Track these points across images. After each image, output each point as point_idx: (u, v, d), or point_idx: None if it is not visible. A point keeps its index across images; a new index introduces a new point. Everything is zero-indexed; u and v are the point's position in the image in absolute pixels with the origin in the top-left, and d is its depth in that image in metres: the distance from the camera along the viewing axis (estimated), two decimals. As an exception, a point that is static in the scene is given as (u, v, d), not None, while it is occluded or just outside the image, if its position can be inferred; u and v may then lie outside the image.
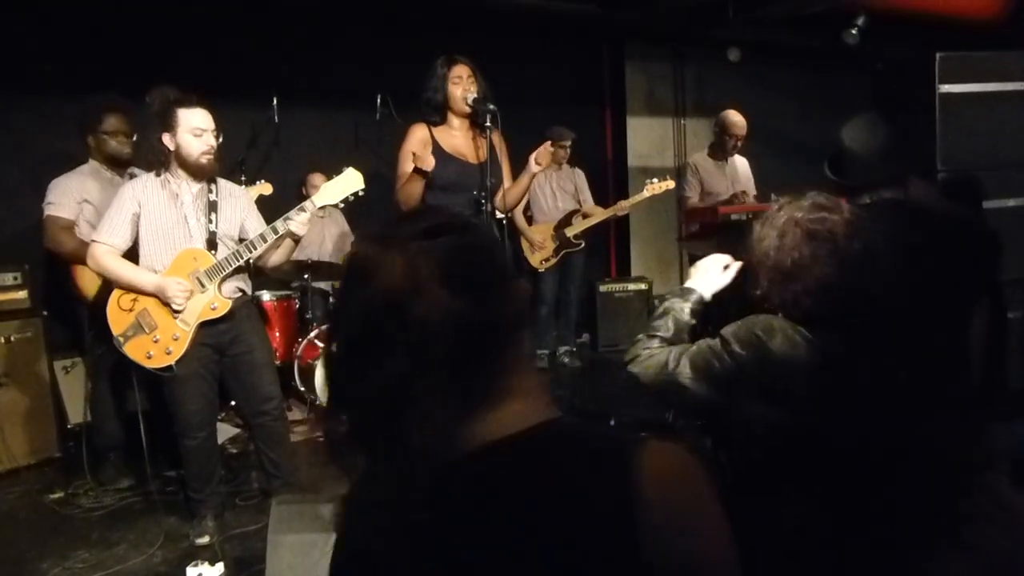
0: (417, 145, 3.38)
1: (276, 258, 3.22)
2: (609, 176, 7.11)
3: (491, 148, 3.35)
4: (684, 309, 1.83)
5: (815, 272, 1.54)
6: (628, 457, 0.84)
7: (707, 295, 1.88)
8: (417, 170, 3.25)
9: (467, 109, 3.39)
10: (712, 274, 1.91)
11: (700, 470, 0.88)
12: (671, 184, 5.44)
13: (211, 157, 3.01)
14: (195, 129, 2.96)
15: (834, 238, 1.55)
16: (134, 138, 3.67)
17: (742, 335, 1.59)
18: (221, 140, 3.08)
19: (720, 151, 5.29)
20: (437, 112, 3.43)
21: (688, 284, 1.91)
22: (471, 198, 3.42)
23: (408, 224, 0.93)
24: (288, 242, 3.16)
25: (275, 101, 5.01)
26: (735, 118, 5.19)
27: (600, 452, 0.87)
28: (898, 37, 5.77)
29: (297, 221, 3.04)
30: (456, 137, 3.46)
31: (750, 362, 1.56)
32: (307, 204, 3.13)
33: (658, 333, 1.80)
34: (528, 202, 5.76)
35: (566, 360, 5.84)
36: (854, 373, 1.53)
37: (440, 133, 3.45)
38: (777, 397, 1.53)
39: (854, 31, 5.54)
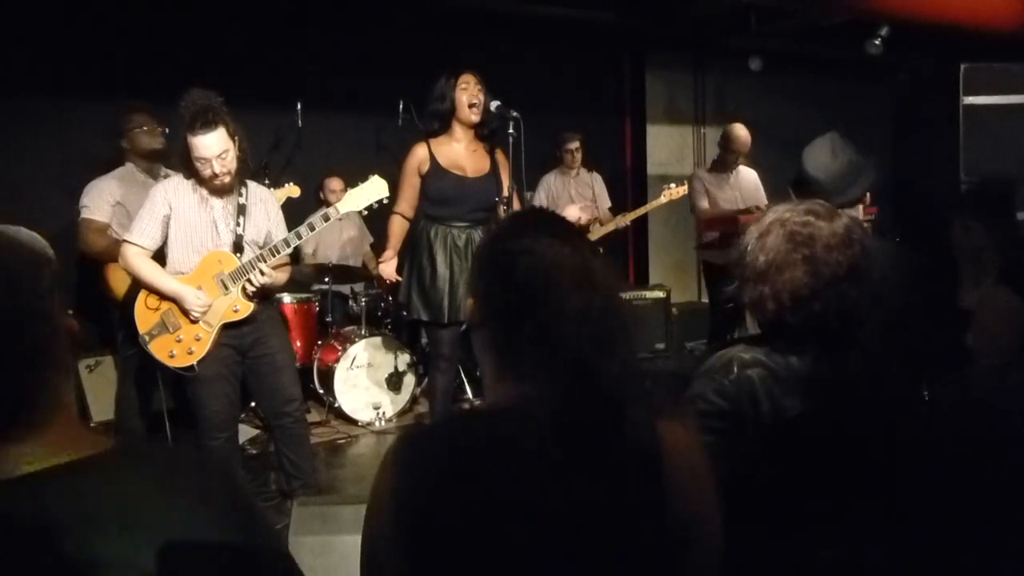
0: (414, 169, 3.46)
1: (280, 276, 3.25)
2: (628, 184, 7.11)
3: (512, 155, 3.37)
4: None
5: (785, 276, 1.44)
6: (653, 428, 1.10)
7: None
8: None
9: (473, 118, 3.41)
10: None
11: (697, 443, 1.16)
12: (686, 189, 5.43)
13: (221, 180, 3.00)
14: (199, 159, 2.96)
15: (812, 244, 1.44)
16: (165, 131, 3.72)
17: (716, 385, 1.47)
18: (233, 153, 2.98)
19: (722, 165, 5.22)
20: (441, 121, 3.45)
21: None
22: (480, 205, 3.45)
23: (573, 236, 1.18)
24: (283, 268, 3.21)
25: (299, 106, 5.07)
26: (739, 132, 5.09)
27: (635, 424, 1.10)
28: (921, 48, 5.75)
29: (268, 267, 3.06)
30: (456, 149, 3.46)
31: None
32: (331, 211, 3.17)
33: None
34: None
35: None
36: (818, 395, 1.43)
37: (440, 146, 3.46)
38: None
39: (877, 42, 5.52)
